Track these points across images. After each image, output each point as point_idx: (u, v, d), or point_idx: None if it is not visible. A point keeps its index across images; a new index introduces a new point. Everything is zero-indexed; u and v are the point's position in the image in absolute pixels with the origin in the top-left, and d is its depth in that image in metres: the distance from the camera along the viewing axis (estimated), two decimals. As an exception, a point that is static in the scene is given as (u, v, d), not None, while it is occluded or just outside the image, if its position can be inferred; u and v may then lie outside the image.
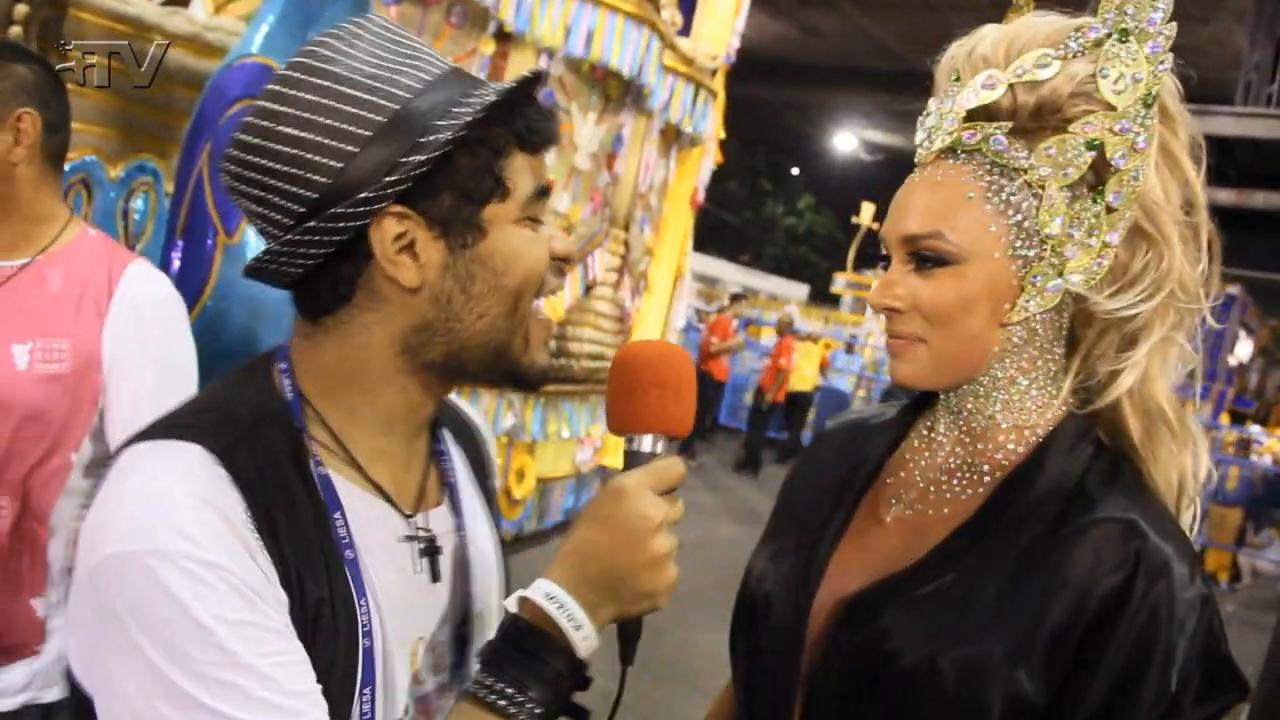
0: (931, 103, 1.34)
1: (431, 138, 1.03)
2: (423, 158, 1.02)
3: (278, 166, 1.04)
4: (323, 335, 1.12)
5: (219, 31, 4.02)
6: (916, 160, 1.33)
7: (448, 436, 1.32)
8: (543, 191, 1.13)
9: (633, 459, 1.13)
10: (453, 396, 1.36)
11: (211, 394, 1.13)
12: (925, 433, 1.41)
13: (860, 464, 1.43)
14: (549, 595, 1.03)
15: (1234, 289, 20.25)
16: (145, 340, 2.14)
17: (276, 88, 1.05)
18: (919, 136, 1.34)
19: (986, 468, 1.31)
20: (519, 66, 6.18)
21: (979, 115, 1.25)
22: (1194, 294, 1.28)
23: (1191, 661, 1.14)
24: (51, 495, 2.08)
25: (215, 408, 1.08)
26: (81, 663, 0.99)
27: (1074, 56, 1.22)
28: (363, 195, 1.02)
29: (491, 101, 1.05)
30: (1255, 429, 17.03)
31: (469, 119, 1.03)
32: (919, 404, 1.47)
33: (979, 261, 1.24)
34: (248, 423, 1.05)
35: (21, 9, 3.46)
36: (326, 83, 1.04)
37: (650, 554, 1.05)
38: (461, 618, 1.23)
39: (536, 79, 1.11)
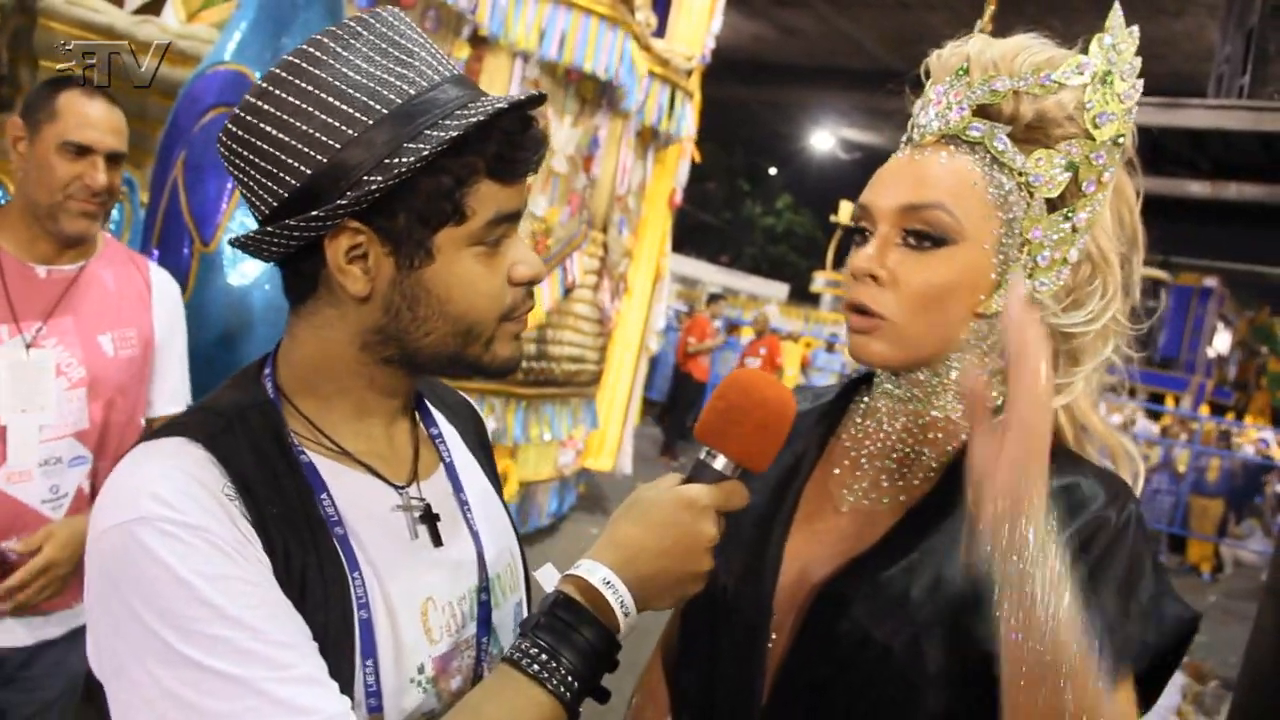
0: (934, 89, 1.36)
1: (394, 160, 1.04)
2: (380, 181, 1.03)
3: (259, 161, 1.07)
4: (297, 325, 1.17)
5: (192, 39, 4.00)
6: (913, 139, 1.36)
7: (440, 417, 1.35)
8: (506, 218, 1.13)
9: (702, 470, 1.16)
10: (445, 383, 1.42)
11: (202, 401, 1.18)
12: (862, 419, 1.43)
13: (801, 453, 1.44)
14: (605, 580, 1.07)
15: (1211, 281, 20.41)
16: (176, 324, 2.66)
17: (266, 84, 1.07)
18: (920, 119, 1.36)
19: (933, 458, 1.34)
20: (494, 70, 6.17)
21: (983, 113, 1.30)
22: (1128, 321, 1.36)
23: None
24: None
25: (201, 408, 1.14)
26: (92, 643, 1.02)
27: (1069, 85, 1.29)
28: (315, 213, 1.04)
29: (455, 136, 1.04)
30: (1270, 432, 17.12)
31: (432, 149, 1.03)
32: (851, 387, 1.50)
33: (970, 247, 1.27)
34: (230, 415, 1.11)
35: (-8, 19, 3.43)
36: (310, 87, 1.05)
37: (698, 569, 1.12)
38: (479, 578, 1.25)
39: (517, 107, 1.09)
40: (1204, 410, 19.21)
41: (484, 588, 1.25)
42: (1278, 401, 22.44)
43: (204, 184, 3.16)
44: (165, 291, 2.63)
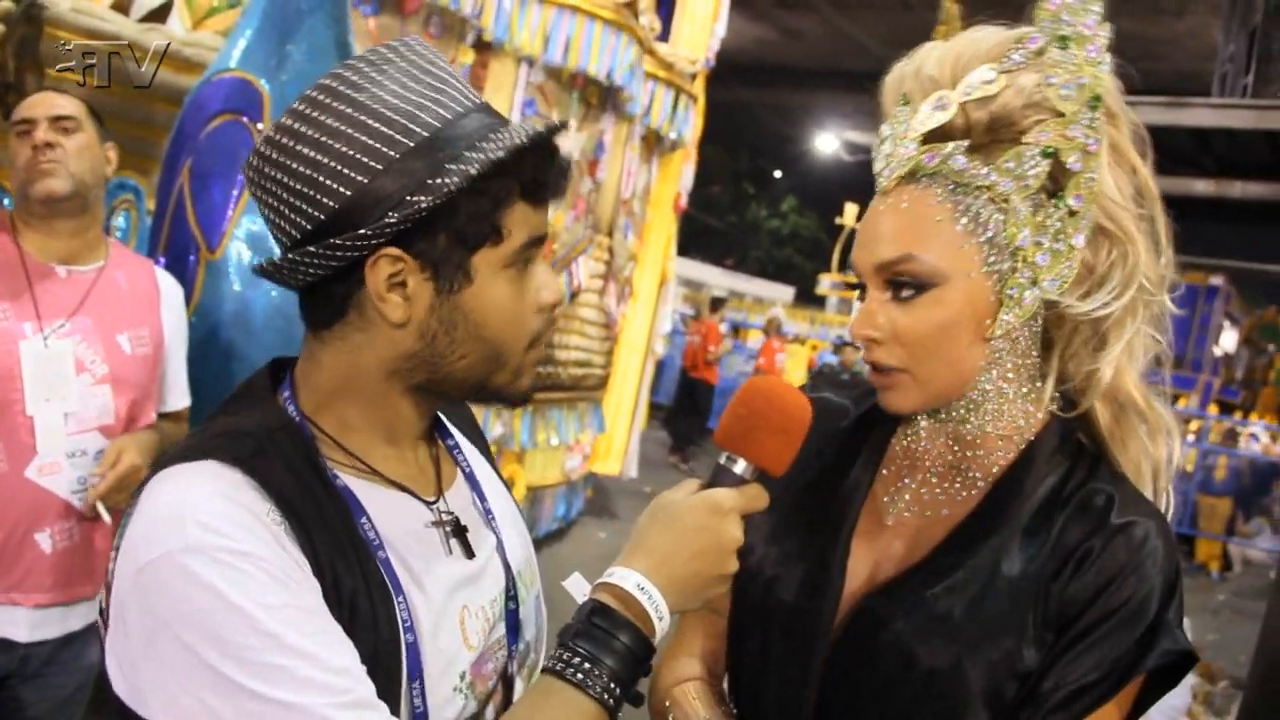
0: (884, 129, 1.33)
1: (439, 180, 1.05)
2: (426, 201, 1.04)
3: (293, 184, 1.07)
4: (320, 349, 1.15)
5: (197, 47, 4.01)
6: (877, 189, 1.32)
7: (457, 432, 1.36)
8: (538, 240, 1.16)
9: (723, 474, 1.18)
10: None
11: (215, 421, 1.15)
12: (906, 431, 1.41)
13: (853, 460, 1.43)
14: (640, 586, 1.09)
15: (1217, 279, 20.35)
16: (181, 325, 2.78)
17: (301, 107, 1.07)
18: (877, 165, 1.33)
19: (978, 474, 1.32)
20: (499, 75, 6.18)
21: (935, 137, 1.26)
22: (1159, 285, 1.30)
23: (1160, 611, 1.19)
24: None
25: (223, 430, 1.11)
26: (125, 679, 1.00)
27: (1019, 69, 1.23)
28: (363, 231, 1.04)
29: (499, 158, 1.05)
30: (1260, 426, 17.06)
31: (477, 170, 1.05)
32: None
33: (956, 282, 1.24)
34: (260, 436, 1.09)
35: (-3, 28, 3.45)
36: (349, 109, 1.06)
37: (726, 571, 1.14)
38: (506, 581, 1.28)
39: (553, 132, 1.12)
40: (1211, 409, 19.15)
41: (512, 595, 1.28)
42: (1286, 400, 22.38)
43: (210, 191, 3.17)
44: (172, 293, 2.75)
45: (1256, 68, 13.19)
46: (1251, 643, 3.61)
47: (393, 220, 1.04)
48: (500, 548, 1.29)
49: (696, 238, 37.88)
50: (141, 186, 3.81)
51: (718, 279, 32.78)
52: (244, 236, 3.14)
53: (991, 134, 1.25)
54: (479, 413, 5.76)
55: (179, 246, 3.20)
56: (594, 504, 8.91)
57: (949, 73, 1.26)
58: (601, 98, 6.93)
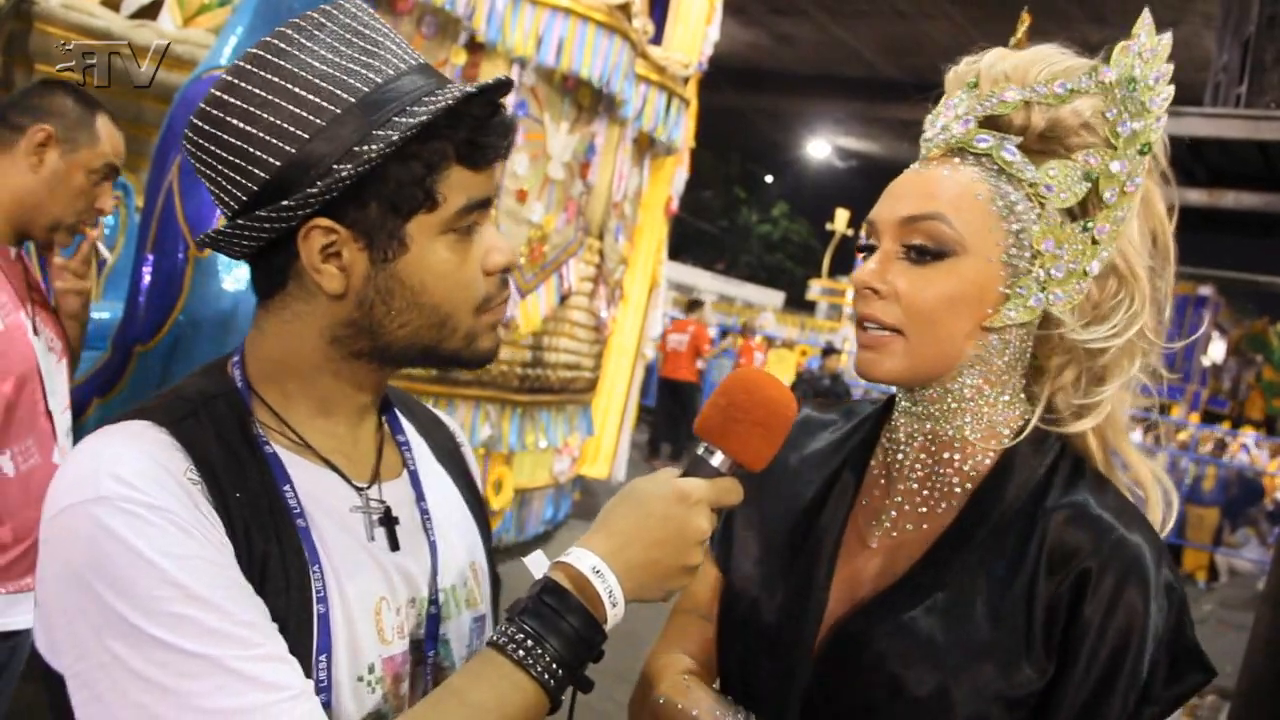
0: (942, 104, 1.36)
1: (365, 147, 1.04)
2: (351, 168, 1.03)
3: (226, 155, 1.06)
4: (265, 318, 1.16)
5: (188, 44, 4.00)
6: (921, 157, 1.34)
7: (409, 427, 1.34)
8: (478, 205, 1.13)
9: (699, 465, 1.17)
10: (429, 405, 1.42)
11: (169, 387, 1.17)
12: (887, 441, 1.40)
13: (835, 481, 1.42)
14: (594, 568, 1.07)
15: (1206, 290, 20.42)
16: None
17: (229, 78, 1.06)
18: (928, 133, 1.35)
19: (955, 480, 1.32)
20: (491, 76, 6.14)
21: (992, 125, 1.29)
22: (1158, 335, 1.33)
23: (1161, 649, 1.18)
24: None
25: (166, 396, 1.13)
26: (45, 630, 1.00)
27: (1085, 92, 1.26)
28: (286, 202, 1.04)
29: (424, 119, 1.04)
30: (1250, 437, 17.10)
31: (401, 135, 1.03)
32: (879, 413, 1.47)
33: (974, 259, 1.25)
34: (196, 402, 1.10)
35: (-13, 24, 3.43)
36: (275, 78, 1.05)
37: (688, 562, 1.12)
38: (430, 589, 1.23)
39: (484, 92, 1.10)
40: (1194, 419, 19.19)
41: (433, 599, 1.23)
42: (1274, 410, 22.46)
43: (199, 189, 3.15)
44: None
45: (1249, 78, 13.22)
46: (1238, 654, 3.61)
47: (315, 191, 1.03)
48: (433, 554, 1.25)
49: (688, 242, 37.94)
50: (130, 184, 3.79)
51: (708, 283, 32.79)
52: (233, 235, 3.12)
53: (1043, 142, 1.28)
54: (467, 415, 5.72)
55: (168, 244, 3.18)
56: (582, 507, 8.88)
57: (1022, 74, 1.29)
58: (594, 100, 6.92)
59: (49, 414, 2.38)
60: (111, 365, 3.30)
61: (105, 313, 3.50)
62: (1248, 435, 17.27)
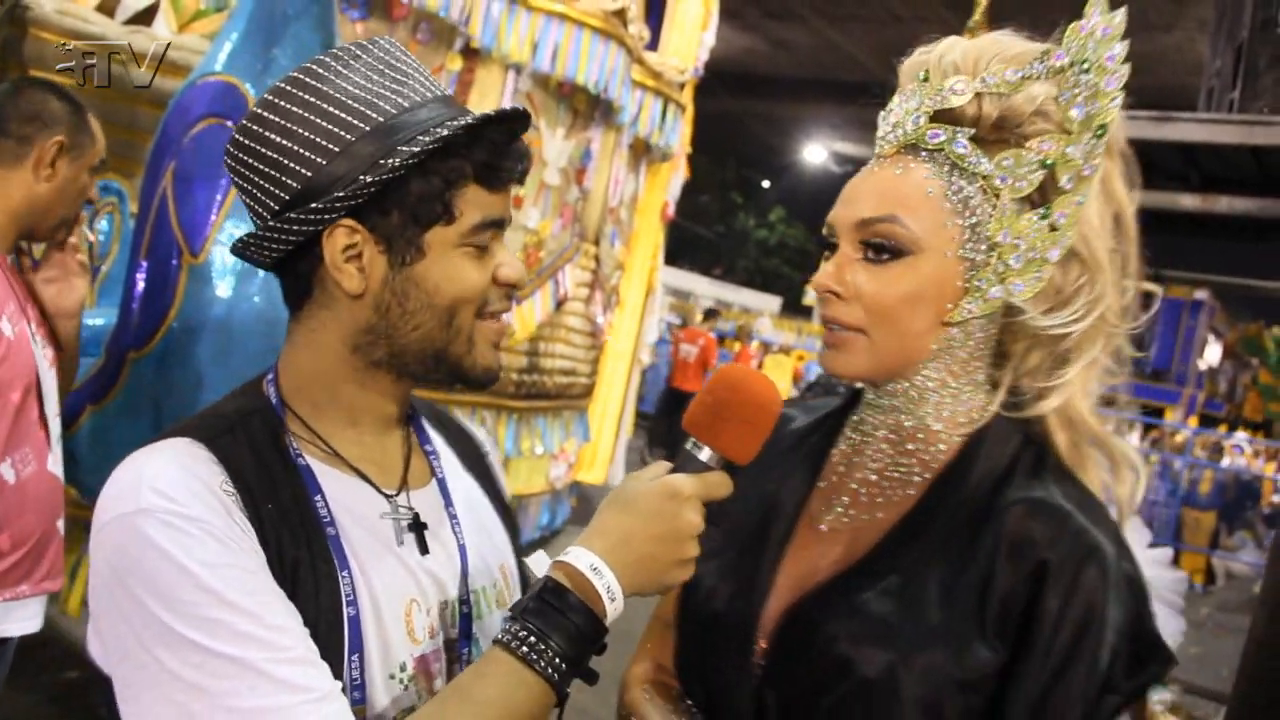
0: (895, 99, 1.36)
1: (387, 160, 1.14)
2: (373, 178, 1.13)
3: (262, 167, 1.17)
4: (295, 331, 1.25)
5: (183, 50, 3.99)
6: (876, 154, 1.35)
7: (437, 437, 1.43)
8: (493, 224, 1.21)
9: (688, 460, 1.20)
10: (456, 414, 1.55)
11: (209, 406, 1.26)
12: (851, 433, 1.42)
13: (792, 472, 1.44)
14: (592, 566, 1.12)
15: (1202, 294, 20.45)
16: None
17: (272, 97, 1.17)
18: (881, 130, 1.35)
19: (917, 469, 1.33)
20: (486, 82, 6.16)
21: (944, 118, 1.28)
22: (1121, 317, 1.33)
23: (1122, 639, 1.17)
24: None
25: (206, 414, 1.23)
26: (97, 635, 1.09)
27: (1038, 78, 1.26)
28: (315, 205, 1.13)
29: (445, 135, 1.13)
30: (1241, 438, 17.13)
31: (423, 149, 1.13)
32: (845, 406, 1.48)
33: (931, 256, 1.26)
34: (233, 419, 1.20)
35: (-19, 29, 3.43)
36: (313, 99, 1.16)
37: (682, 555, 1.16)
38: (460, 590, 1.30)
39: (503, 118, 1.19)
40: (1193, 422, 19.22)
41: (464, 599, 1.30)
42: (1270, 414, 22.48)
43: (193, 195, 3.15)
44: None
45: (1243, 83, 13.26)
46: (1234, 657, 3.60)
47: (341, 195, 1.12)
48: (463, 557, 1.32)
49: (684, 247, 37.95)
50: (125, 189, 3.78)
51: (705, 288, 32.83)
52: (227, 241, 3.11)
53: (997, 131, 1.28)
54: (462, 419, 5.74)
55: (162, 250, 3.18)
56: (579, 513, 8.87)
57: (972, 64, 1.29)
58: (590, 106, 6.92)
59: (44, 421, 2.39)
60: (105, 372, 3.28)
61: (99, 319, 3.50)
62: (1239, 436, 17.30)
